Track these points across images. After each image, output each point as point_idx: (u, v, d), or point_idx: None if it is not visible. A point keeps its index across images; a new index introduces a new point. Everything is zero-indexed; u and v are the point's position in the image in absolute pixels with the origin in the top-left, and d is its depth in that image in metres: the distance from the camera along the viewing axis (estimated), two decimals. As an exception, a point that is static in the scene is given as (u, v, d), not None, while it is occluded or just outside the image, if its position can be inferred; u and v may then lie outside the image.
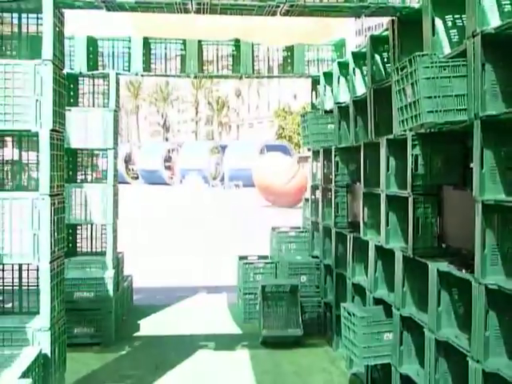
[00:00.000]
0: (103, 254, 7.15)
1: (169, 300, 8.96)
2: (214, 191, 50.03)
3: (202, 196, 39.16)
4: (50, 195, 4.01)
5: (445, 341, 3.81)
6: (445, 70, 3.48)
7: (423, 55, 3.53)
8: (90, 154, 7.48)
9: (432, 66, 3.47)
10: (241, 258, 8.33)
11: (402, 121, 3.77)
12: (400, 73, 3.75)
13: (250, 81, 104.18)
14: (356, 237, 5.81)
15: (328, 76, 7.08)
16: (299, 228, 8.48)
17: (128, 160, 76.06)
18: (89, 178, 7.50)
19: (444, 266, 3.88)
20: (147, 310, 8.24)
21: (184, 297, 9.18)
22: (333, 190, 6.68)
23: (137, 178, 70.26)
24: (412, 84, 3.54)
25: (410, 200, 4.39)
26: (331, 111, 6.91)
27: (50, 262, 4.02)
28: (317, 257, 7.50)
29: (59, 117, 4.21)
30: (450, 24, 3.93)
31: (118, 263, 7.52)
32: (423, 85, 3.45)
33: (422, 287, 4.23)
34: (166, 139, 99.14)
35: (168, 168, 72.40)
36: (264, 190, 29.04)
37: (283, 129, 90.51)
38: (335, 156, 6.57)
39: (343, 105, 6.40)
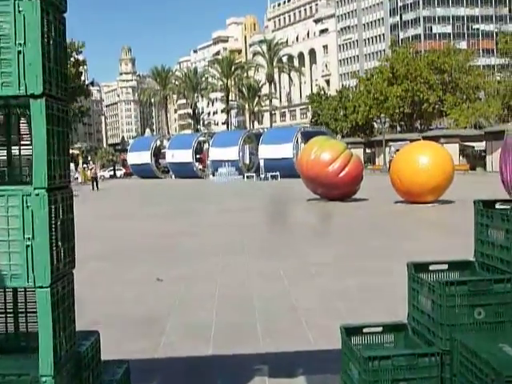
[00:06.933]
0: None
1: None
2: (251, 183, 45.99)
3: (238, 188, 35.02)
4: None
5: None
6: None
7: None
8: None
9: None
10: (348, 330, 3.92)
11: None
12: None
13: (281, 66, 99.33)
14: None
15: None
16: (468, 263, 4.06)
17: (158, 153, 72.90)
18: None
19: None
20: None
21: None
22: None
23: (167, 171, 67.01)
24: None
25: None
26: None
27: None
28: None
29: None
30: None
31: (81, 370, 3.20)
32: None
33: None
34: (197, 130, 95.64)
35: (199, 160, 68.93)
36: (311, 181, 24.66)
37: (318, 115, 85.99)
38: None
39: None
